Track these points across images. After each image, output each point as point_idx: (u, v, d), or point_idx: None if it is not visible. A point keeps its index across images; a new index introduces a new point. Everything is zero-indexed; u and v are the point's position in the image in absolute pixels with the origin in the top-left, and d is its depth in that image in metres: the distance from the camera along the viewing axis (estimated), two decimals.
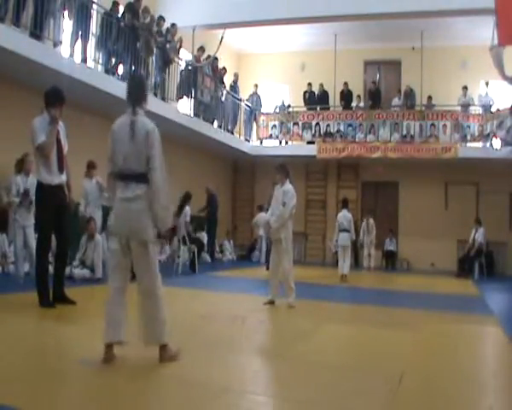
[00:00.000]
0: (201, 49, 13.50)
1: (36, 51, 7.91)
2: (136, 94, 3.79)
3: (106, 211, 8.65)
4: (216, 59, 14.29)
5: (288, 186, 6.86)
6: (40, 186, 5.68)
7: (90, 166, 8.68)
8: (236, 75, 16.37)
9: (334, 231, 11.41)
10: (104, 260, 8.69)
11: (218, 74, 14.45)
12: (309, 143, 16.04)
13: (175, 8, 13.07)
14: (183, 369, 3.65)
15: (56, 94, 5.69)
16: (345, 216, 11.06)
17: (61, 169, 5.70)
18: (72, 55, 9.12)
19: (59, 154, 5.68)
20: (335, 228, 11.27)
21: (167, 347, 3.68)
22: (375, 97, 16.43)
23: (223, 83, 14.86)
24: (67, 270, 8.22)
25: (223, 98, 14.82)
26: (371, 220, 14.29)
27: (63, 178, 5.78)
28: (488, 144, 14.57)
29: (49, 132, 5.53)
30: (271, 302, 6.78)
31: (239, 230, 17.78)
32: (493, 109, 14.79)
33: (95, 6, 9.66)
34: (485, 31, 10.75)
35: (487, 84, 15.13)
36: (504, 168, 14.36)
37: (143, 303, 3.66)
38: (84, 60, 9.40)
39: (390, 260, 15.75)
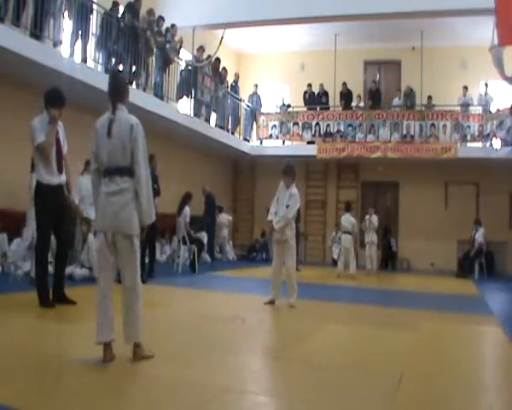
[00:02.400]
0: (201, 48, 13.49)
1: (36, 51, 7.91)
2: (117, 90, 3.83)
3: None
4: (218, 60, 14.29)
5: (295, 190, 6.91)
6: (39, 186, 5.67)
7: (89, 164, 8.60)
8: (236, 75, 16.37)
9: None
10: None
11: (219, 75, 14.45)
12: (309, 143, 16.05)
13: (175, 8, 13.07)
14: (183, 369, 3.65)
15: (57, 95, 5.69)
16: (347, 219, 11.46)
17: (60, 169, 5.69)
18: (72, 55, 9.12)
19: (58, 154, 5.68)
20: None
21: (141, 345, 3.68)
22: (375, 97, 16.43)
23: (223, 83, 14.86)
24: (68, 270, 8.26)
25: (222, 97, 14.82)
26: (375, 217, 12.91)
27: (63, 178, 5.77)
28: (488, 144, 14.58)
29: (48, 132, 5.53)
30: (272, 302, 6.79)
31: (239, 230, 17.78)
32: (493, 109, 14.79)
33: (95, 6, 9.66)
34: (485, 31, 10.75)
35: (486, 85, 15.14)
36: (504, 168, 14.37)
37: (125, 298, 3.66)
38: (84, 60, 9.40)
39: (390, 260, 15.75)
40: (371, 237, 12.83)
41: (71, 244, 8.03)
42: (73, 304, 5.76)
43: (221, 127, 14.63)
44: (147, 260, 8.98)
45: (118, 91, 3.82)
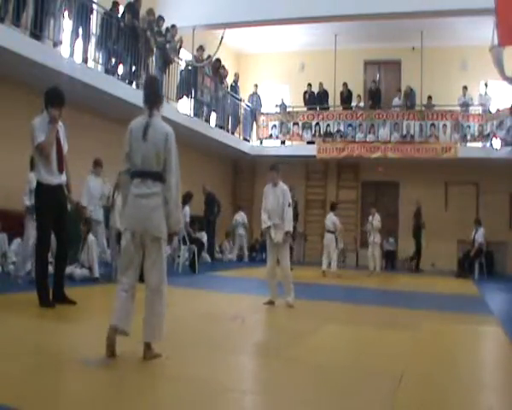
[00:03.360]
0: (201, 48, 13.50)
1: (36, 51, 7.92)
2: (155, 95, 3.88)
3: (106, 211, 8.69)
4: (218, 60, 14.28)
5: (285, 186, 6.86)
6: (39, 186, 5.67)
7: (98, 164, 8.41)
8: (236, 75, 16.37)
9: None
10: (101, 260, 8.74)
11: (219, 75, 14.45)
12: (309, 143, 16.05)
13: (175, 8, 13.07)
14: (183, 368, 3.65)
15: (57, 94, 5.68)
16: (330, 219, 12.03)
17: (60, 169, 5.69)
18: (72, 55, 9.12)
19: (58, 154, 5.67)
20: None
21: (151, 345, 3.70)
22: (375, 97, 16.44)
23: (223, 83, 14.86)
24: (68, 269, 8.25)
25: (222, 97, 14.82)
26: (377, 216, 12.80)
27: (63, 178, 5.77)
28: (488, 144, 14.58)
29: (48, 132, 5.53)
30: (271, 302, 6.78)
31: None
32: (493, 109, 14.79)
33: (95, 6, 9.67)
34: (485, 31, 10.75)
35: (486, 85, 15.14)
36: (504, 168, 14.37)
37: (149, 299, 3.70)
38: (85, 60, 9.40)
39: (390, 260, 15.74)
40: (374, 238, 12.77)
41: (76, 244, 8.04)
42: (73, 304, 5.76)
43: (221, 127, 14.63)
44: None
45: (155, 97, 3.88)
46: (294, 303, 6.68)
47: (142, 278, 3.81)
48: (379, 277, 12.56)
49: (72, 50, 9.15)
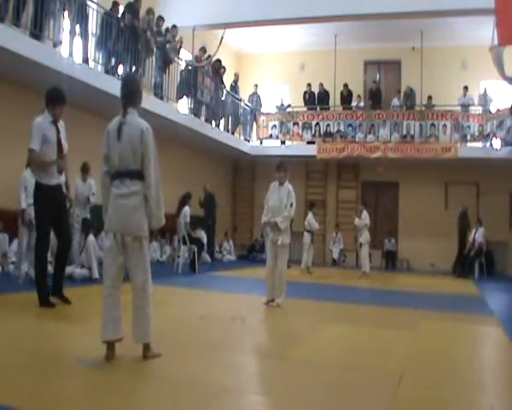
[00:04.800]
0: (203, 49, 13.50)
1: (36, 51, 7.91)
2: (128, 94, 3.83)
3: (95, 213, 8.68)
4: (218, 60, 14.27)
5: (290, 186, 6.82)
6: (38, 186, 5.68)
7: (85, 169, 8.65)
8: (236, 75, 16.36)
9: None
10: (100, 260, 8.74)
11: (218, 75, 14.44)
12: (309, 143, 16.04)
13: (175, 8, 13.07)
14: (183, 369, 3.65)
15: (58, 93, 5.70)
16: (307, 218, 12.67)
17: (60, 170, 5.70)
18: (72, 55, 9.11)
19: (59, 154, 5.69)
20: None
21: (150, 345, 3.72)
22: (375, 97, 16.43)
23: (222, 83, 14.85)
24: (68, 270, 8.24)
25: (222, 98, 14.80)
26: (365, 213, 12.16)
27: (62, 178, 5.78)
28: (488, 144, 14.57)
29: (48, 137, 5.53)
30: (272, 301, 6.74)
31: (239, 230, 17.78)
32: (493, 109, 14.79)
33: (95, 6, 9.66)
34: (485, 31, 10.75)
35: (486, 89, 15.16)
36: (504, 168, 14.37)
37: (135, 299, 3.70)
38: (85, 60, 9.39)
39: (390, 260, 15.75)
40: (360, 238, 12.23)
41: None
42: (68, 303, 5.75)
43: (218, 126, 14.60)
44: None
45: (129, 96, 3.83)
46: (283, 304, 6.59)
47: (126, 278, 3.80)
48: (368, 278, 11.82)
49: (72, 50, 9.14)
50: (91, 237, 8.35)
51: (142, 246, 3.72)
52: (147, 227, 3.74)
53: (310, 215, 12.70)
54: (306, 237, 12.67)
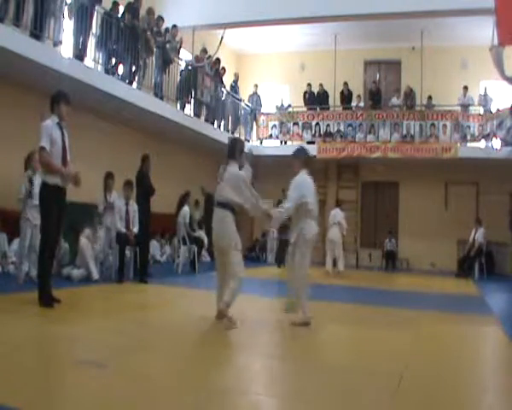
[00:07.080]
0: (204, 50, 13.49)
1: (36, 51, 7.90)
2: (230, 152, 5.73)
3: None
4: (218, 60, 14.26)
5: (298, 177, 6.34)
6: (45, 187, 5.71)
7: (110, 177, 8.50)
8: (236, 75, 16.36)
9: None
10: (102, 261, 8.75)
11: (219, 75, 14.44)
12: (309, 143, 16.00)
13: (175, 8, 13.07)
14: (183, 368, 3.65)
15: (63, 94, 5.88)
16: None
17: (73, 183, 5.79)
18: (71, 55, 9.10)
19: (63, 155, 5.74)
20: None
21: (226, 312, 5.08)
22: (375, 97, 16.43)
23: (222, 83, 14.85)
24: (65, 271, 8.27)
25: (223, 98, 14.79)
26: (338, 211, 12.41)
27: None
28: (488, 144, 14.57)
29: (55, 139, 5.62)
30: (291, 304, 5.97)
31: (239, 230, 17.71)
32: (493, 109, 14.79)
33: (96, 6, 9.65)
34: (485, 31, 10.76)
35: (486, 89, 15.15)
36: (504, 168, 14.36)
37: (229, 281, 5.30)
38: (84, 59, 9.38)
39: (390, 260, 15.75)
40: (330, 234, 12.23)
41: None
42: (58, 302, 5.72)
43: (216, 125, 14.58)
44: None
45: (230, 153, 5.70)
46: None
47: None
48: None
49: (72, 50, 9.13)
50: (83, 239, 8.32)
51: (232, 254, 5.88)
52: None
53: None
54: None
